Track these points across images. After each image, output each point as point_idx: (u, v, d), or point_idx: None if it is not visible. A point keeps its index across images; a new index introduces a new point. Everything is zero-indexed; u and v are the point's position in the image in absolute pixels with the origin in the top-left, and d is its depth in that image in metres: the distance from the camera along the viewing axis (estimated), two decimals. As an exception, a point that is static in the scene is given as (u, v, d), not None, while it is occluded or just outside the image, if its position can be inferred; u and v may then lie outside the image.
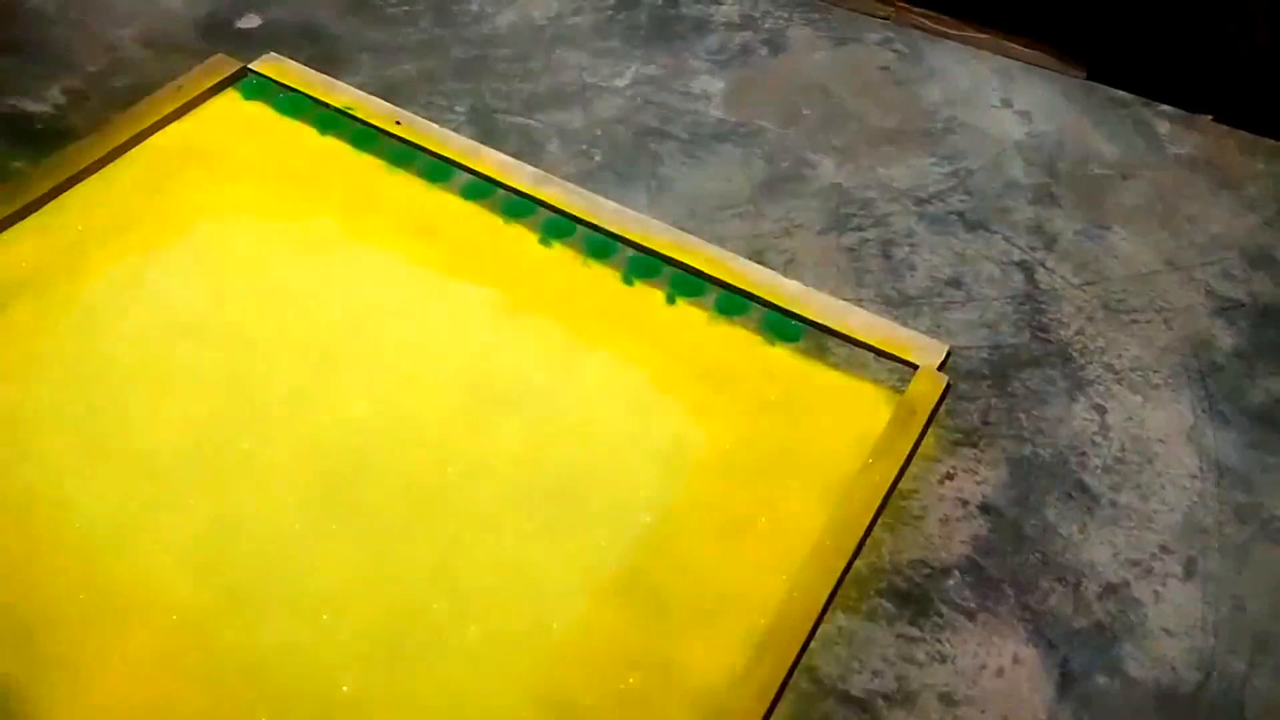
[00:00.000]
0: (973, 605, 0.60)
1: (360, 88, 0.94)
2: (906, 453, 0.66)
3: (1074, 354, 0.73)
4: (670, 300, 0.77)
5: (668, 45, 1.00)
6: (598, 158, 0.88)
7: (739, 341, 0.74)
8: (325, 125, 0.91)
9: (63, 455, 0.67)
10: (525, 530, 0.63)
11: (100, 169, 0.86)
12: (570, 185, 0.84)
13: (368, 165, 0.87)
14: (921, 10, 1.02)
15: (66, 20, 1.06)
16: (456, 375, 0.72)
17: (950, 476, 0.66)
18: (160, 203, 0.84)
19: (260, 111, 0.92)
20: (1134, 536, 0.63)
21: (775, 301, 0.75)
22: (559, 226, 0.81)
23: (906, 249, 0.80)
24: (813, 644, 0.59)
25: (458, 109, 0.94)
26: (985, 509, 0.65)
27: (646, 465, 0.66)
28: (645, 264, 0.79)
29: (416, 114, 0.91)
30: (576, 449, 0.67)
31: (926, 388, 0.70)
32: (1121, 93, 0.93)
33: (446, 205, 0.84)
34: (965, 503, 0.65)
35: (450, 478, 0.66)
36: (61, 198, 0.84)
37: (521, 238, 0.81)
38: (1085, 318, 0.75)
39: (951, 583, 0.61)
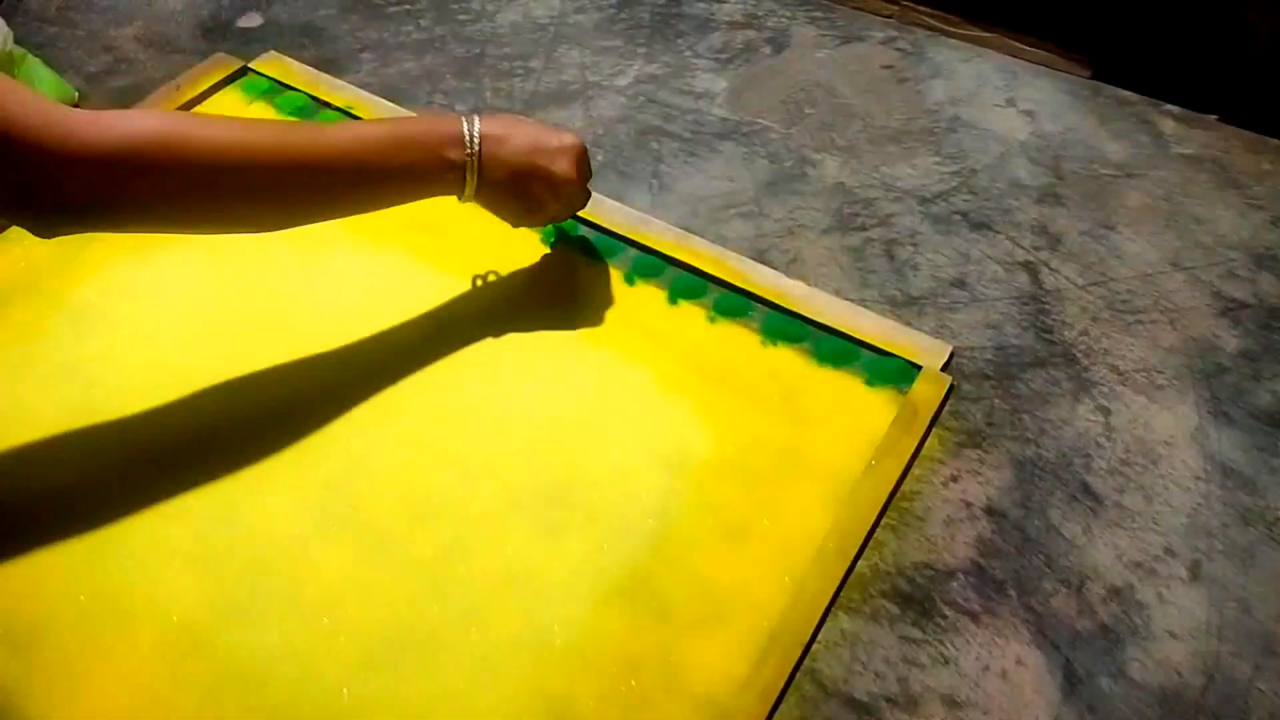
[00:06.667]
0: (976, 607, 0.60)
1: (361, 86, 0.94)
2: (910, 454, 0.66)
3: (1078, 355, 0.73)
4: (672, 300, 0.76)
5: (670, 44, 1.00)
6: (599, 157, 0.88)
7: (742, 342, 0.73)
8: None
9: (61, 456, 0.67)
10: (526, 533, 0.63)
11: (100, 168, 0.86)
12: (572, 185, 0.84)
13: (369, 164, 0.87)
14: (926, 9, 1.01)
15: (66, 20, 1.06)
16: (457, 375, 0.71)
17: (954, 478, 0.66)
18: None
19: (261, 110, 0.92)
20: (1138, 539, 0.63)
21: (778, 302, 0.75)
22: (560, 226, 0.81)
23: (910, 249, 0.80)
24: (815, 646, 0.58)
25: (459, 108, 0.93)
26: (989, 511, 0.64)
27: (649, 467, 0.66)
28: (647, 264, 0.79)
29: (418, 113, 0.91)
30: (578, 451, 0.67)
31: (930, 389, 0.69)
32: (1127, 92, 0.92)
33: (447, 204, 0.83)
34: (969, 504, 0.65)
35: (450, 480, 0.66)
36: (61, 197, 0.84)
37: (523, 236, 0.81)
38: (1090, 318, 0.75)
39: (955, 584, 0.61)
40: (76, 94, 0.93)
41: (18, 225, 0.56)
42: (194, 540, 0.63)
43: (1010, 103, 0.92)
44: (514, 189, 0.69)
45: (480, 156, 0.66)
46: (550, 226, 0.80)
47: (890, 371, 0.71)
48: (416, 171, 0.66)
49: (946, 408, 0.69)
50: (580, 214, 0.81)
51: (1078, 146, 0.88)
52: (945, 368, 0.71)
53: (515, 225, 0.74)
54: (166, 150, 0.56)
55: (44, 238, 0.57)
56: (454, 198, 0.69)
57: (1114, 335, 0.74)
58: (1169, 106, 0.91)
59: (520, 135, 0.68)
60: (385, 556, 0.62)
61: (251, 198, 0.61)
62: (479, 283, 0.77)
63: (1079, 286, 0.77)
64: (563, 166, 0.69)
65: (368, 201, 0.67)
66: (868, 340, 0.72)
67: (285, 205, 0.63)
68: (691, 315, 0.75)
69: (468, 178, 0.67)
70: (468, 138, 0.66)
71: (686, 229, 0.81)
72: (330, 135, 0.63)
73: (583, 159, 0.71)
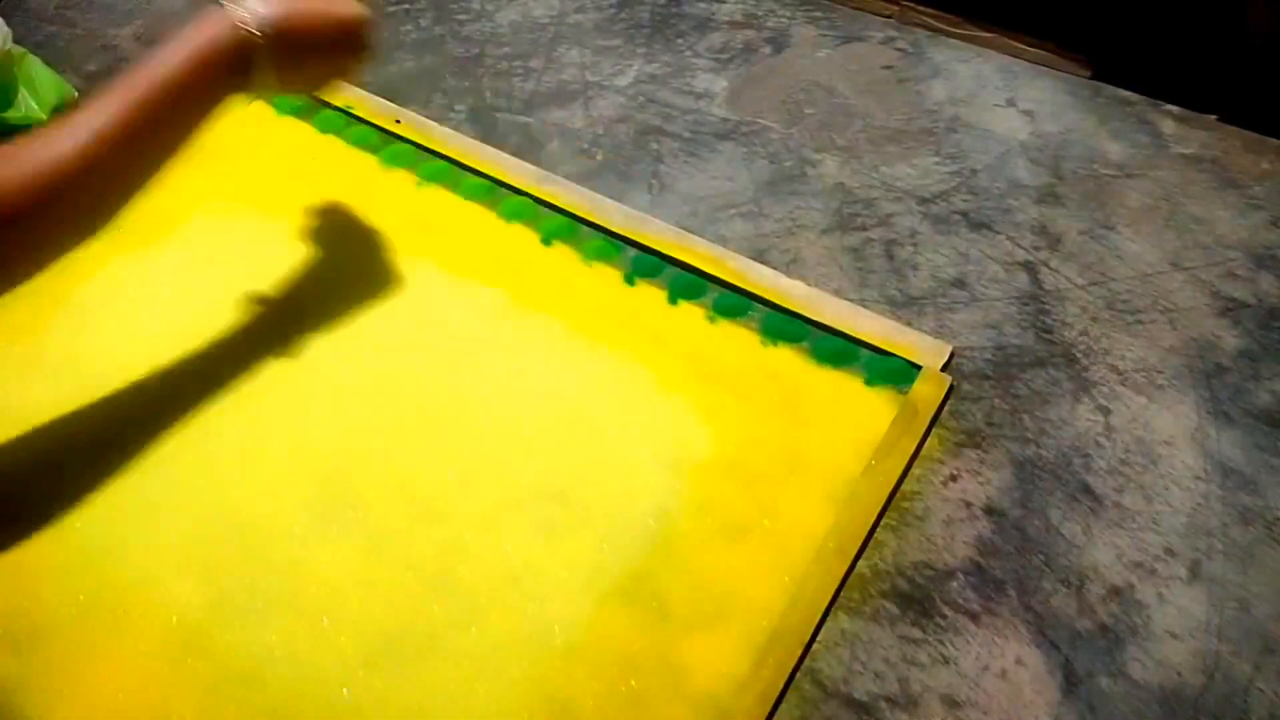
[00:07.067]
0: (976, 607, 0.60)
1: (360, 86, 0.94)
2: (909, 454, 0.66)
3: (1078, 355, 0.73)
4: (672, 300, 0.76)
5: (670, 44, 1.00)
6: (599, 157, 0.88)
7: (741, 342, 0.73)
8: (324, 124, 0.90)
9: (60, 456, 0.67)
10: (526, 533, 0.63)
11: (100, 168, 0.86)
12: (572, 184, 0.84)
13: (366, 164, 0.87)
14: (926, 9, 1.01)
15: (65, 20, 1.06)
16: (456, 375, 0.71)
17: (954, 478, 0.66)
18: (158, 200, 0.82)
19: (259, 110, 0.92)
20: (1138, 538, 0.63)
21: (778, 302, 0.75)
22: (560, 226, 0.81)
23: (910, 249, 0.80)
24: (815, 646, 0.58)
25: (458, 107, 0.93)
26: (989, 510, 0.64)
27: (649, 467, 0.66)
28: (647, 264, 0.78)
29: (416, 112, 0.91)
30: (578, 450, 0.67)
31: (930, 389, 0.69)
32: (1127, 92, 0.92)
33: (446, 204, 0.84)
34: (969, 504, 0.65)
35: (450, 479, 0.66)
36: (61, 197, 0.83)
37: (522, 237, 0.81)
38: (1089, 318, 0.75)
39: (954, 584, 0.61)
40: (76, 93, 0.93)
41: None
42: (194, 539, 0.63)
43: (1010, 103, 0.92)
44: (305, 47, 0.67)
45: (267, 35, 0.64)
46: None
47: (890, 371, 0.71)
48: (217, 82, 0.63)
49: (946, 408, 0.70)
50: (581, 213, 0.81)
51: (1078, 146, 0.88)
52: (945, 368, 0.71)
53: (314, 86, 0.72)
54: None
55: None
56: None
57: (1114, 335, 0.74)
58: (1169, 106, 0.91)
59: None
60: (385, 556, 0.62)
61: (84, 204, 0.60)
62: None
63: (1079, 286, 0.77)
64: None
65: (183, 139, 0.64)
66: (867, 340, 0.72)
67: (120, 189, 0.62)
68: (691, 315, 0.75)
69: (259, 59, 0.64)
70: (243, 21, 0.63)
71: (686, 229, 0.81)
72: (118, 107, 0.60)
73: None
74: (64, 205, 0.58)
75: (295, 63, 0.67)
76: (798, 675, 0.57)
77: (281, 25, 0.65)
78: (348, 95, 0.92)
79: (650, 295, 0.77)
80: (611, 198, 0.83)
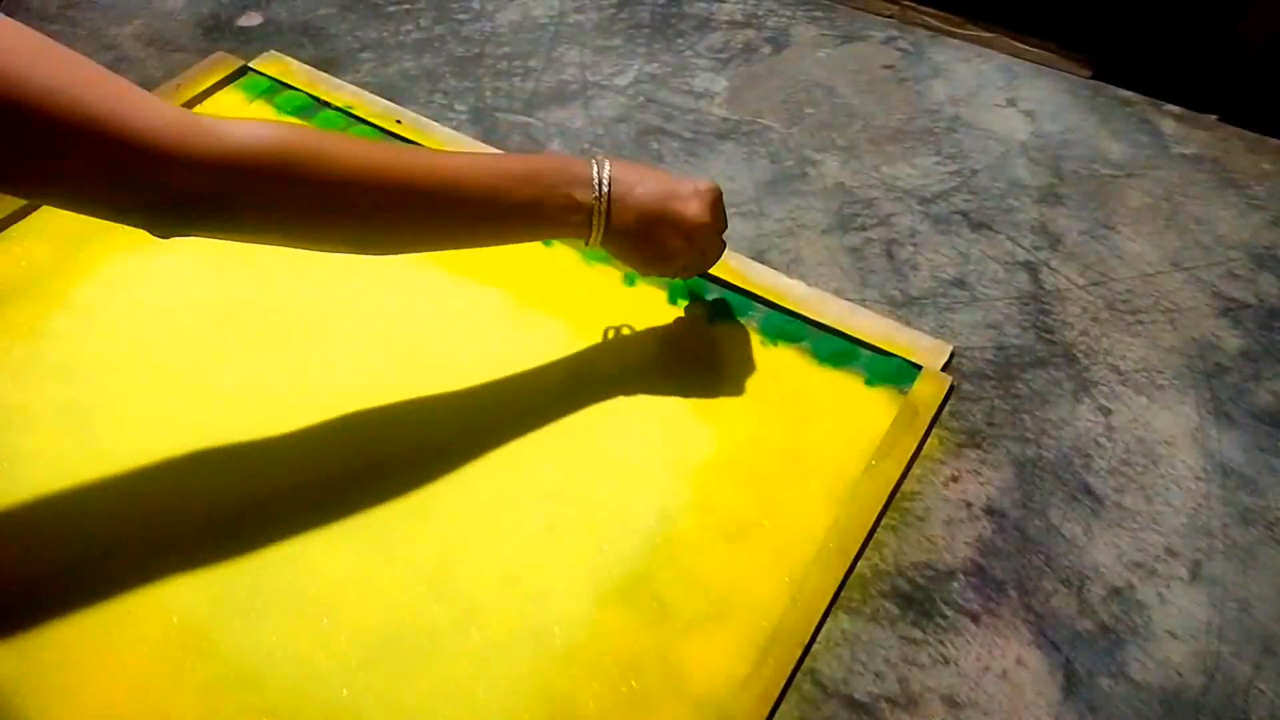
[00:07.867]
0: (976, 607, 0.60)
1: (361, 86, 0.94)
2: (910, 454, 0.66)
3: (1078, 355, 0.73)
4: (672, 300, 0.76)
5: (670, 43, 1.00)
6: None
7: (742, 342, 0.73)
8: (326, 124, 0.90)
9: (60, 456, 0.67)
10: (526, 533, 0.63)
11: (100, 168, 0.86)
12: (572, 184, 0.84)
13: (369, 164, 0.87)
14: (926, 9, 1.01)
15: (66, 19, 1.06)
16: (459, 376, 0.71)
17: (954, 478, 0.66)
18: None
19: (261, 110, 0.92)
20: (1138, 539, 0.63)
21: (778, 302, 0.75)
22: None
23: (910, 249, 0.80)
24: (815, 646, 0.58)
25: (459, 107, 0.93)
26: (989, 511, 0.64)
27: (649, 467, 0.66)
28: (647, 264, 0.78)
29: (417, 113, 0.91)
30: (578, 451, 0.67)
31: (930, 389, 0.69)
32: (1127, 92, 0.93)
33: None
34: (969, 504, 0.65)
35: (451, 480, 0.66)
36: (61, 197, 0.84)
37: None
38: (1090, 318, 0.75)
39: (955, 584, 0.61)
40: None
41: (133, 225, 0.54)
42: (194, 540, 0.63)
43: (1010, 103, 0.92)
44: (642, 235, 0.65)
45: (609, 200, 0.63)
46: (679, 282, 0.77)
47: (890, 371, 0.71)
48: (543, 209, 0.62)
49: (947, 408, 0.70)
50: None
51: (1078, 146, 0.88)
52: (945, 368, 0.71)
53: (644, 274, 0.70)
54: (290, 160, 0.54)
55: (160, 238, 0.55)
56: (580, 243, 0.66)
57: (1114, 335, 0.74)
58: (1169, 106, 0.91)
59: (651, 181, 0.65)
60: (385, 556, 0.62)
61: (372, 217, 0.58)
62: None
63: (1079, 286, 0.77)
64: (695, 209, 0.65)
65: (488, 235, 0.64)
66: (868, 340, 0.72)
67: (406, 229, 0.60)
68: (691, 315, 0.75)
69: (595, 221, 0.63)
70: (596, 180, 0.63)
71: (686, 229, 0.81)
72: (456, 162, 0.60)
73: (717, 204, 0.67)
74: (272, 188, 0.54)
75: (630, 230, 0.65)
76: (798, 675, 0.57)
77: (621, 188, 0.63)
78: (349, 95, 0.92)
79: (650, 295, 0.77)
80: (612, 198, 0.83)
